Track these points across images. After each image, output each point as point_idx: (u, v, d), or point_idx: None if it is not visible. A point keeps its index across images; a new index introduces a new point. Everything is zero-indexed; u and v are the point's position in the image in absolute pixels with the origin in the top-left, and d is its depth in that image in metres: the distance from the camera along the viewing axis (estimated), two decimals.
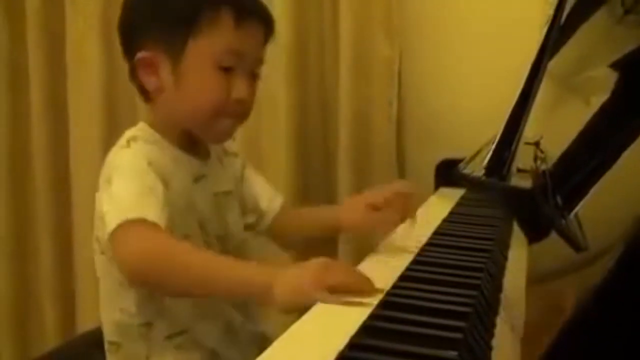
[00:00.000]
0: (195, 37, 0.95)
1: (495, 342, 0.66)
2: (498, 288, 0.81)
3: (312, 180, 1.77)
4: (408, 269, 0.81)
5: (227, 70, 0.97)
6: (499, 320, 0.71)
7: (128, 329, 1.00)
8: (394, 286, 0.74)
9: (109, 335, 1.03)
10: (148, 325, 0.99)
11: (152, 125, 1.02)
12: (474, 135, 1.40)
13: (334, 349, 0.57)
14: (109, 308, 1.02)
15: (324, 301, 0.70)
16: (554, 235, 0.96)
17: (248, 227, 1.15)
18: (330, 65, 1.74)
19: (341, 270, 0.76)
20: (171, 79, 0.97)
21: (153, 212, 0.87)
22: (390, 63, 1.69)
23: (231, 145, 1.14)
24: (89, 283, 1.94)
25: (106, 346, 1.04)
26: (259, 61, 1.02)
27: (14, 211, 2.07)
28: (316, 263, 0.77)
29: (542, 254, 1.00)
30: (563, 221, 0.77)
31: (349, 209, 1.10)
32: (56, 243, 2.01)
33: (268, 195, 1.17)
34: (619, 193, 0.82)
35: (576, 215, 0.79)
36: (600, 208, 0.83)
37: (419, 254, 0.88)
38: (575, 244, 0.70)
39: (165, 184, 0.94)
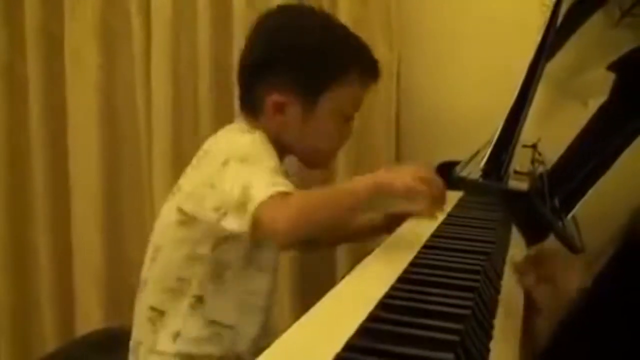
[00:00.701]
0: (329, 92, 1.09)
1: (493, 344, 0.66)
2: (496, 290, 0.81)
3: (311, 182, 1.77)
4: (406, 271, 0.81)
5: (346, 118, 1.13)
6: (497, 323, 0.71)
7: (178, 297, 1.08)
8: (392, 288, 0.74)
9: (155, 302, 1.10)
10: (200, 299, 1.07)
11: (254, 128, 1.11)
12: (473, 137, 1.40)
13: (331, 350, 0.57)
14: (167, 276, 1.09)
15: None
16: (552, 238, 0.96)
17: None
18: None
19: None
20: (298, 121, 1.09)
21: (288, 185, 0.97)
22: (389, 65, 1.70)
23: None
24: (88, 286, 1.94)
25: (147, 314, 1.10)
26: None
27: (13, 214, 2.07)
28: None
29: None
30: (560, 223, 0.77)
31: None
32: (55, 246, 2.00)
33: None
34: (618, 194, 0.82)
35: (574, 217, 0.78)
36: (599, 209, 0.83)
37: (417, 257, 0.88)
38: (572, 246, 0.69)
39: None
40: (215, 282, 1.08)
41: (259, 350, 0.59)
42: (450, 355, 0.57)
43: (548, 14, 1.17)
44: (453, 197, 1.29)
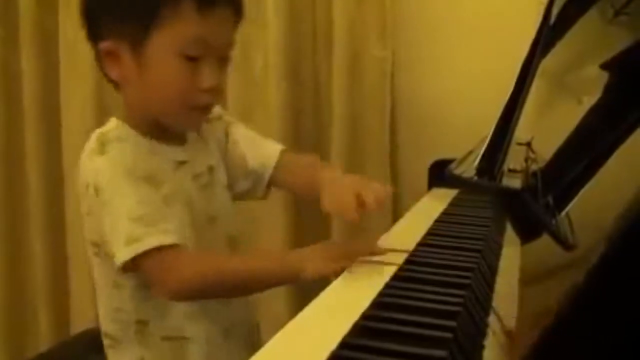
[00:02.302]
0: (158, 28, 0.92)
1: (487, 341, 0.66)
2: (490, 288, 0.81)
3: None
4: (400, 268, 0.81)
5: (193, 59, 0.94)
6: (490, 320, 0.71)
7: (125, 326, 1.01)
8: (386, 286, 0.75)
9: (107, 332, 1.04)
10: (144, 323, 1.00)
11: (125, 119, 1.00)
12: (467, 135, 1.40)
13: (326, 348, 0.58)
14: (106, 306, 1.03)
15: (347, 266, 0.83)
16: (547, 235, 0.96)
17: (246, 194, 1.13)
18: (324, 67, 1.75)
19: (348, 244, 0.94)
20: (134, 69, 0.95)
21: (171, 230, 0.91)
22: (383, 64, 1.70)
23: (213, 110, 1.07)
24: (83, 286, 1.94)
25: (105, 342, 1.05)
26: (229, 45, 0.99)
27: (8, 212, 2.06)
28: (329, 243, 0.97)
29: (537, 253, 1.00)
30: (553, 221, 0.78)
31: (336, 193, 0.97)
32: (50, 247, 2.00)
33: (260, 156, 1.12)
34: (611, 191, 0.83)
35: (567, 214, 0.79)
36: (592, 207, 0.83)
37: (411, 254, 0.88)
38: (565, 243, 0.70)
39: (151, 180, 0.94)
40: (147, 301, 0.99)
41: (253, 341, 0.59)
42: (444, 353, 0.57)
43: (542, 11, 1.17)
44: (448, 194, 1.29)
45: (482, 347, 0.65)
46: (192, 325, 1.02)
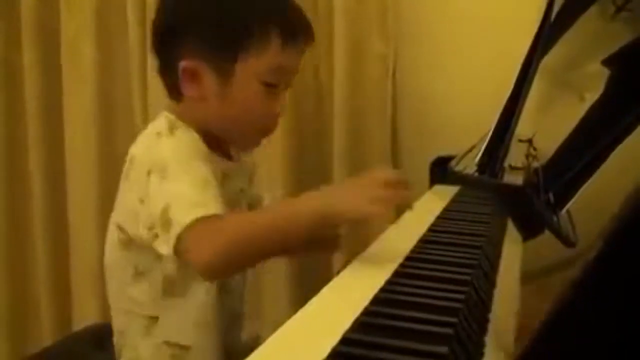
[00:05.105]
0: (245, 55, 0.96)
1: (488, 338, 0.66)
2: (491, 284, 0.81)
3: (307, 178, 1.77)
4: (401, 265, 0.81)
5: (271, 86, 0.99)
6: (491, 317, 0.71)
7: (134, 319, 1.02)
8: (388, 282, 0.75)
9: (116, 323, 1.05)
10: (154, 319, 1.00)
11: (181, 120, 1.01)
12: (470, 132, 1.40)
13: (327, 344, 0.58)
14: (118, 296, 1.04)
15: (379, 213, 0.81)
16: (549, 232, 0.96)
17: None
18: (325, 64, 1.75)
19: (380, 182, 0.83)
20: (215, 91, 0.98)
21: (215, 204, 0.89)
22: (385, 61, 1.70)
23: None
24: (85, 283, 1.94)
25: (115, 336, 1.06)
26: (296, 72, 1.04)
27: (10, 209, 2.07)
28: (363, 180, 0.86)
29: (539, 250, 1.01)
30: (554, 218, 0.78)
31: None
32: (52, 241, 2.01)
33: (268, 196, 1.20)
34: (612, 188, 0.83)
35: (568, 211, 0.79)
36: (593, 204, 0.84)
37: (412, 251, 0.88)
38: (566, 240, 0.70)
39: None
40: (165, 299, 0.99)
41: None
42: (445, 349, 0.57)
43: (543, 8, 1.17)
44: (450, 191, 1.29)
45: (483, 344, 0.65)
46: (198, 335, 1.01)
